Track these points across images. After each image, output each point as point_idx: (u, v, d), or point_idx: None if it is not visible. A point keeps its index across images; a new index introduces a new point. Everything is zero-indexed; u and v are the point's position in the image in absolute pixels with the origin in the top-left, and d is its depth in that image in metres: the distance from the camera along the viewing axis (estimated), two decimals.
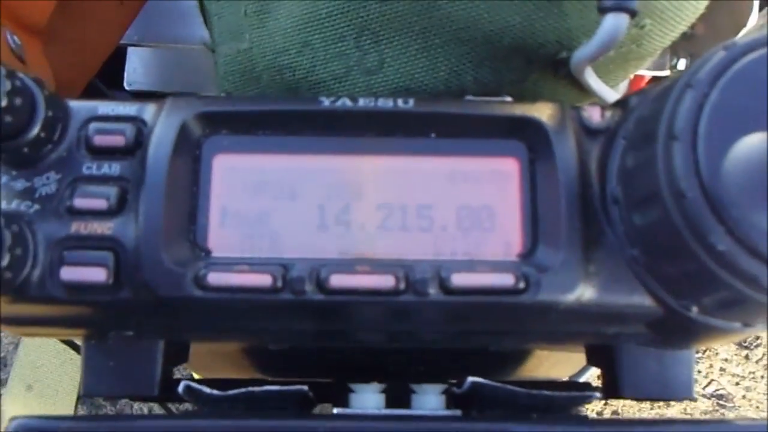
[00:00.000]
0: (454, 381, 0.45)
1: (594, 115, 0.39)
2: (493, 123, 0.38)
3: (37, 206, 0.36)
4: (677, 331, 0.38)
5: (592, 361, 0.48)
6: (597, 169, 0.37)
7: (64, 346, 1.39)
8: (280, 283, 0.34)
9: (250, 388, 0.42)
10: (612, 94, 0.45)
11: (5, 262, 0.33)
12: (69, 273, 0.35)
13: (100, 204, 0.36)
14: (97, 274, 0.35)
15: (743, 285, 0.31)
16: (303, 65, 0.46)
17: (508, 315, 0.35)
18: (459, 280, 0.34)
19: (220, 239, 0.37)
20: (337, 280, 0.34)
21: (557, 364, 0.62)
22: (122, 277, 0.35)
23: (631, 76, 0.58)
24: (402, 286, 0.34)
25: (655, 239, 0.34)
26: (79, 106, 0.38)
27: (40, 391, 1.39)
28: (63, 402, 1.38)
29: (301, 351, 0.45)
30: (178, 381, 0.43)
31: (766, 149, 0.30)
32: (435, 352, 0.44)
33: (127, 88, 0.84)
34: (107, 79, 0.79)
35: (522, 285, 0.35)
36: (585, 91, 0.46)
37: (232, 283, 0.34)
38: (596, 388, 0.46)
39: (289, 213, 0.37)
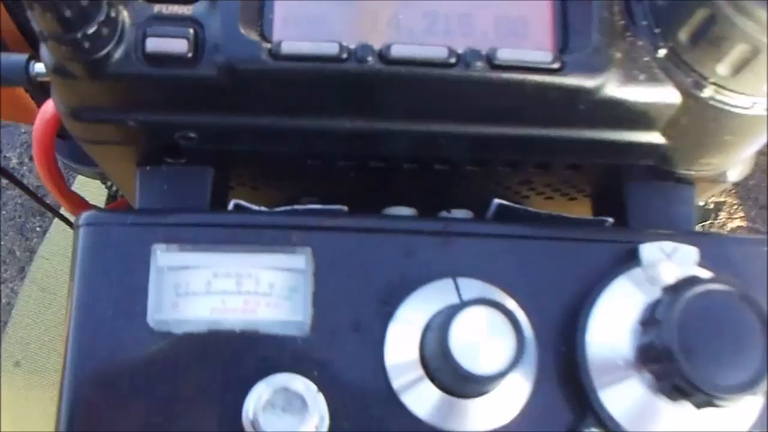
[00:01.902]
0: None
1: None
2: None
3: None
4: (690, 125, 0.42)
5: (602, 209, 0.52)
6: None
7: (54, 322, 1.41)
8: (345, 54, 0.38)
9: (294, 206, 0.46)
10: None
11: (91, 30, 0.37)
12: (153, 44, 0.38)
13: None
14: (179, 46, 0.39)
15: (752, 28, 0.35)
16: None
17: (545, 94, 0.40)
18: (503, 55, 0.39)
19: (285, 32, 0.41)
20: (397, 50, 0.38)
21: None
22: (201, 53, 0.39)
23: None
24: (453, 59, 0.38)
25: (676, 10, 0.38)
26: None
27: (27, 368, 1.40)
28: (50, 378, 1.38)
29: (341, 179, 0.49)
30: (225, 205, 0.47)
31: None
32: (464, 176, 0.48)
33: None
34: None
35: (557, 65, 0.39)
36: None
37: (303, 51, 0.38)
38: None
39: (346, 16, 0.41)
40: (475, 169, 0.47)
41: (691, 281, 0.38)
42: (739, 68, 0.37)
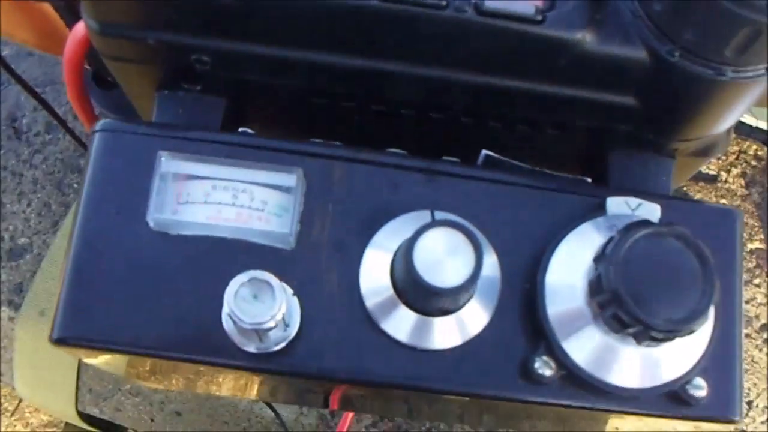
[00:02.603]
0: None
1: None
2: None
3: None
4: (662, 90, 0.45)
5: (586, 172, 0.55)
6: None
7: None
8: None
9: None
10: None
11: None
12: None
13: None
14: None
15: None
16: None
17: (526, 45, 0.43)
18: (490, 4, 0.42)
19: None
20: None
21: None
22: None
23: None
24: (444, 2, 0.42)
25: None
26: None
27: (52, 318, 1.45)
28: None
29: (342, 116, 0.53)
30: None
31: None
32: (456, 125, 0.51)
33: None
34: None
35: (539, 17, 0.43)
36: None
37: None
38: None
39: None
40: (468, 120, 0.51)
41: (643, 224, 0.41)
42: (705, 34, 0.40)
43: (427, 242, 0.41)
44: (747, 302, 1.68)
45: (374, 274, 0.44)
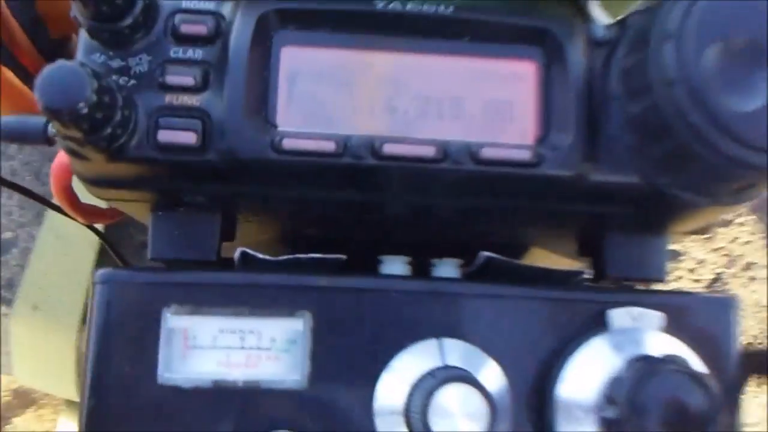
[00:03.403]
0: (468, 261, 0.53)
1: (600, 29, 0.46)
2: (517, 30, 0.45)
3: (133, 81, 0.43)
4: (657, 208, 0.45)
5: (583, 252, 0.56)
6: (601, 73, 0.45)
7: (71, 268, 1.45)
8: (341, 150, 0.41)
9: (297, 256, 0.49)
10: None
11: (115, 119, 0.40)
12: (165, 135, 0.42)
13: (188, 80, 0.43)
14: (188, 137, 0.42)
15: (711, 156, 0.38)
16: None
17: (525, 185, 0.43)
18: (487, 153, 0.42)
19: (287, 117, 0.44)
20: (389, 149, 0.42)
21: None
22: (209, 142, 0.42)
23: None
24: (441, 156, 0.42)
25: (646, 123, 0.41)
26: (165, 1, 0.45)
27: (45, 311, 1.45)
28: (67, 321, 1.43)
29: (339, 228, 0.53)
30: (226, 258, 0.51)
31: (744, 51, 0.38)
32: (454, 230, 0.52)
33: None
34: None
35: (536, 160, 0.42)
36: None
37: (302, 148, 0.41)
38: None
39: (345, 99, 0.44)
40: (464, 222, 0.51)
41: (646, 360, 0.43)
42: (706, 177, 0.41)
43: (441, 400, 0.41)
44: (731, 242, 1.71)
45: (388, 419, 0.45)
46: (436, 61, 0.45)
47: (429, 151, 0.42)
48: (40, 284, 1.51)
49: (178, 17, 0.44)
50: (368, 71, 0.45)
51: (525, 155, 0.42)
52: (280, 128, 0.44)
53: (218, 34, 0.44)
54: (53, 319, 1.46)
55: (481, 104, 0.45)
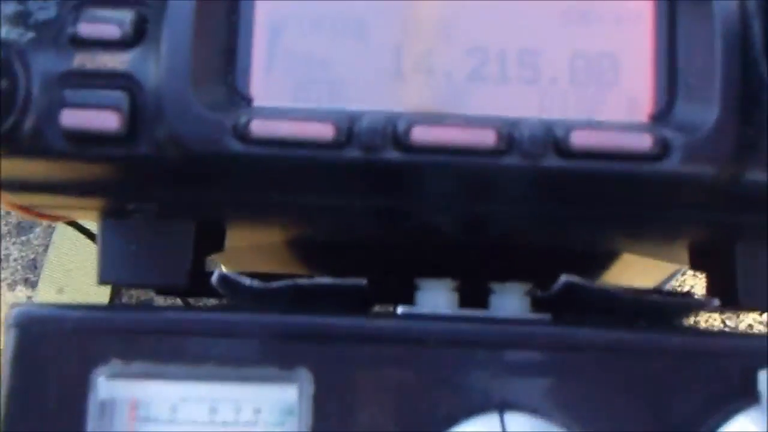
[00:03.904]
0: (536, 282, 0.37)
1: None
2: None
3: (31, 34, 0.28)
4: None
5: (697, 265, 0.40)
6: (758, 7, 0.28)
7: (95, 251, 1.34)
8: (344, 136, 0.26)
9: (297, 281, 0.34)
10: None
11: None
12: (71, 117, 0.27)
13: (112, 31, 0.27)
14: (108, 120, 0.27)
15: None
16: None
17: (638, 188, 0.27)
18: (581, 138, 0.26)
19: (267, 84, 0.28)
20: (421, 134, 0.26)
21: (644, 271, 0.54)
22: (140, 126, 0.27)
23: None
24: (504, 145, 0.26)
25: None
26: None
27: (71, 295, 1.34)
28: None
29: (357, 241, 0.37)
30: (211, 273, 0.36)
31: None
32: (519, 248, 0.36)
33: None
34: None
35: (657, 149, 0.26)
36: None
37: (282, 134, 0.26)
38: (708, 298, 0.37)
39: (357, 55, 0.29)
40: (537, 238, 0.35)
41: None
42: None
43: None
44: None
45: None
46: None
47: (485, 138, 0.26)
48: (65, 266, 1.41)
49: None
50: (390, 13, 0.29)
51: (639, 142, 0.26)
52: (255, 102, 0.28)
53: None
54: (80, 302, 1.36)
55: (566, 61, 0.29)
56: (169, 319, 0.32)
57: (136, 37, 0.28)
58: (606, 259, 0.46)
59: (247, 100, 0.28)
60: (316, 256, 0.40)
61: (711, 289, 0.39)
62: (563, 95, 0.29)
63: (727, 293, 0.36)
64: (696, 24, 0.28)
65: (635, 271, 0.54)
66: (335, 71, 0.29)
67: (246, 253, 0.43)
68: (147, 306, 0.35)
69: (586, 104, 0.29)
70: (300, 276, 0.35)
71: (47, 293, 1.36)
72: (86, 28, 0.27)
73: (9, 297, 1.34)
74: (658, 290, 0.36)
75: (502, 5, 0.29)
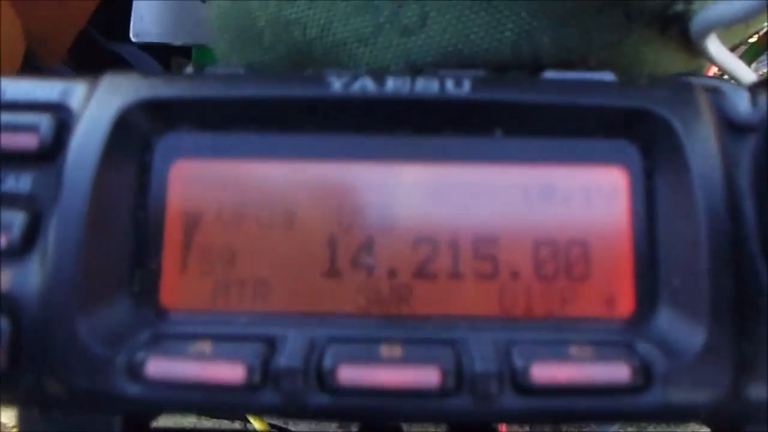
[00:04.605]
0: None
1: (741, 102, 0.26)
2: (590, 116, 0.25)
3: None
4: None
5: None
6: (751, 187, 0.24)
7: None
8: (258, 376, 0.22)
9: None
10: (748, 72, 0.32)
11: None
12: None
13: None
14: None
15: None
16: (316, 21, 0.34)
17: (622, 419, 0.23)
18: (542, 372, 0.21)
19: (180, 290, 0.24)
20: (350, 375, 0.21)
21: None
22: (24, 358, 0.23)
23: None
24: (451, 382, 0.21)
25: None
26: None
27: None
28: None
29: None
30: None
31: None
32: None
33: (134, 39, 0.72)
34: (110, 30, 0.67)
35: (640, 380, 0.22)
36: (694, 56, 0.34)
37: (183, 378, 0.22)
38: None
39: (283, 249, 0.25)
40: None
41: None
42: None
43: None
44: None
45: None
46: (443, 175, 0.25)
47: (427, 378, 0.21)
48: None
49: None
50: (323, 199, 0.25)
51: (614, 374, 0.22)
52: (169, 313, 0.24)
53: (60, 145, 0.25)
54: None
55: (529, 251, 0.25)
56: None
57: (25, 244, 0.24)
58: None
59: (159, 312, 0.24)
60: None
61: None
62: (526, 294, 0.24)
63: None
64: (674, 204, 0.24)
65: None
66: (257, 271, 0.25)
67: None
68: None
69: (554, 306, 0.24)
70: None
71: None
72: None
73: None
74: None
75: (452, 183, 0.25)
